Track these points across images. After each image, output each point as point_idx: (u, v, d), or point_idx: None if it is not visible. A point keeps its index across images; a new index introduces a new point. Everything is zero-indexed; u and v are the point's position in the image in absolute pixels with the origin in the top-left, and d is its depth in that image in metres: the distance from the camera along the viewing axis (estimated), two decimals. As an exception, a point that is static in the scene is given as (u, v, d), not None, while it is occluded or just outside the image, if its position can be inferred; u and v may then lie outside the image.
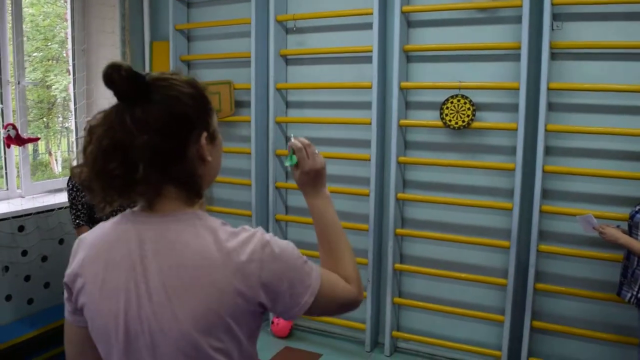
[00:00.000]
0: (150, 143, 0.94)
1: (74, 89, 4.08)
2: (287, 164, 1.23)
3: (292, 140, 1.22)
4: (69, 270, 1.07)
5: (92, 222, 3.03)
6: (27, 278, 3.50)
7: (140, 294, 0.98)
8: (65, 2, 4.09)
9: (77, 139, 3.33)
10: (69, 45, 4.08)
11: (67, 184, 3.06)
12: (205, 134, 1.02)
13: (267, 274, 0.98)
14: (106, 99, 0.99)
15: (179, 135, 0.98)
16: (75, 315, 1.09)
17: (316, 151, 1.21)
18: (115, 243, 1.03)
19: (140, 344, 0.99)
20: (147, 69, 4.17)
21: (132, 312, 0.98)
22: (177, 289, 0.96)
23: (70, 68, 4.09)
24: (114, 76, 0.92)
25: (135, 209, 1.05)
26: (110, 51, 4.02)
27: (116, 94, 0.95)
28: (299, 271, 1.02)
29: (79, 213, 2.98)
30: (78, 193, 2.97)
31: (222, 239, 0.99)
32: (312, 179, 1.21)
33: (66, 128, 4.47)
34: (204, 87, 1.05)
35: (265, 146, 3.78)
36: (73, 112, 4.13)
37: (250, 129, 3.73)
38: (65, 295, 1.10)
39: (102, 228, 1.08)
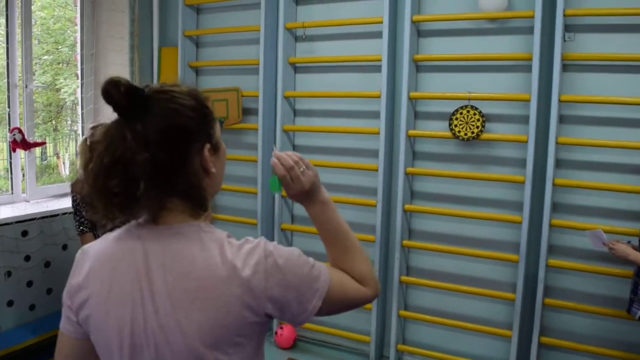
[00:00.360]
0: (151, 159, 0.93)
1: (82, 93, 4.08)
2: (271, 190, 1.17)
3: (273, 158, 1.14)
4: (72, 281, 1.06)
5: (95, 229, 3.00)
6: (29, 284, 3.48)
7: (146, 307, 0.97)
8: (76, 6, 4.10)
9: (76, 150, 3.30)
10: (78, 50, 4.08)
11: (71, 190, 3.02)
12: (208, 146, 1.02)
13: (272, 285, 0.97)
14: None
15: (180, 149, 0.97)
16: (76, 326, 1.07)
17: (302, 167, 1.13)
18: (120, 256, 1.02)
19: (145, 357, 0.98)
20: (155, 75, 4.18)
21: (138, 326, 0.97)
22: (183, 302, 0.95)
23: (79, 72, 4.10)
24: (113, 92, 0.91)
25: (139, 220, 1.04)
26: (118, 56, 4.02)
27: (115, 109, 0.94)
28: (305, 277, 1.01)
29: (82, 220, 2.95)
30: (82, 200, 2.95)
31: (227, 253, 0.98)
32: (303, 197, 1.16)
33: (74, 131, 4.47)
34: (205, 97, 1.04)
35: (271, 155, 3.71)
36: (80, 117, 4.12)
37: (257, 137, 3.71)
38: (66, 304, 1.07)
39: (106, 240, 1.07)
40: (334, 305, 1.06)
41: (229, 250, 0.98)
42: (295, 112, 3.79)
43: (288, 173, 1.12)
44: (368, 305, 3.42)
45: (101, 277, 1.01)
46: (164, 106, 0.97)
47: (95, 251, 1.06)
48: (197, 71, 4.08)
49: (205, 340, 0.94)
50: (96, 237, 2.98)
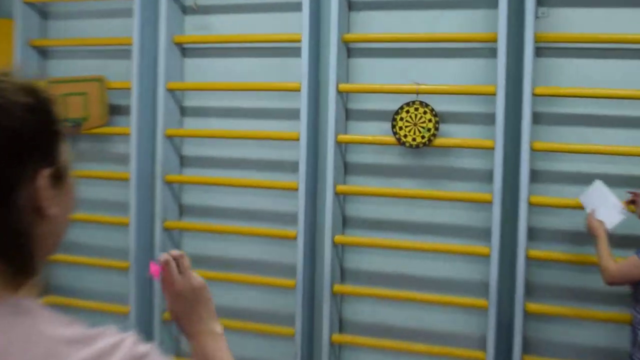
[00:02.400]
0: None
1: None
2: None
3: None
4: None
5: None
6: None
7: None
8: None
9: None
10: None
11: None
12: (47, 171, 0.71)
13: None
14: None
15: (3, 169, 0.68)
16: None
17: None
18: None
19: None
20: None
21: None
22: None
23: None
24: None
25: None
26: None
27: None
28: None
29: None
30: None
31: (64, 350, 0.70)
32: (190, 305, 1.03)
33: None
34: (51, 97, 0.75)
35: (150, 169, 3.24)
36: None
37: (130, 145, 3.17)
38: None
39: None
40: None
41: (67, 347, 0.70)
42: (184, 111, 3.34)
43: (177, 261, 1.05)
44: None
45: None
46: None
47: None
48: (44, 52, 3.49)
49: None
50: None
